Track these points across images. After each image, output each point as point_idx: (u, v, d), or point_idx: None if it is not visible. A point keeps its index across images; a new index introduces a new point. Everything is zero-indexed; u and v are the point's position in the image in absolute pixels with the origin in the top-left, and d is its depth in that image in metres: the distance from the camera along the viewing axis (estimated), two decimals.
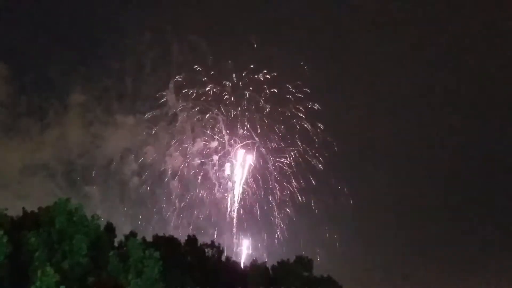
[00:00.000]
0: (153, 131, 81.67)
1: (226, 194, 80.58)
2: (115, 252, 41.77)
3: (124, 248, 43.06)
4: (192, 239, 55.27)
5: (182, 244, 54.26)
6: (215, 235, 76.77)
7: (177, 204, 79.84)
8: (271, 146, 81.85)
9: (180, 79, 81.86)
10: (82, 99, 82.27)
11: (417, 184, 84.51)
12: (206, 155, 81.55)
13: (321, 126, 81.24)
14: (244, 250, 78.52)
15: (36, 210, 44.86)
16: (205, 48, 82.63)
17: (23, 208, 46.29)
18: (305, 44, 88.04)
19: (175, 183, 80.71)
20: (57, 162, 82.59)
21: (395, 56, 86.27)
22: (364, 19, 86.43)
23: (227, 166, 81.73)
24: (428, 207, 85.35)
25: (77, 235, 38.24)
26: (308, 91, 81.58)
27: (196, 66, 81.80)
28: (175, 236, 57.32)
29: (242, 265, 62.58)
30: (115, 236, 47.09)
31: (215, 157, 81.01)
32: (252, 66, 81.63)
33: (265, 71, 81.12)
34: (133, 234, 47.63)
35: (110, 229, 46.59)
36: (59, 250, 37.93)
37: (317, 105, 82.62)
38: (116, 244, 46.91)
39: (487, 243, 78.49)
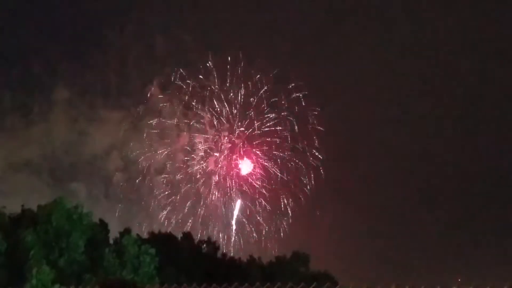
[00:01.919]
0: (139, 127, 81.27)
1: (210, 189, 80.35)
2: (111, 248, 42.34)
3: (119, 245, 43.63)
4: (188, 236, 55.94)
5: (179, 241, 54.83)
6: (200, 231, 76.34)
7: (162, 201, 79.70)
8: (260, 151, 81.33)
9: (164, 74, 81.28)
10: (67, 95, 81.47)
11: (418, 181, 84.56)
12: (191, 150, 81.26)
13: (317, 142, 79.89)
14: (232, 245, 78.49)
15: (34, 208, 45.52)
16: (189, 42, 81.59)
17: (22, 205, 46.92)
18: (302, 39, 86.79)
19: (160, 179, 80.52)
20: (43, 158, 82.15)
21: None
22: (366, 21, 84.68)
23: (211, 161, 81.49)
24: (429, 204, 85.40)
25: (74, 232, 38.78)
26: (306, 93, 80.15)
27: (179, 63, 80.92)
28: (162, 231, 57.98)
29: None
30: (108, 232, 47.62)
31: (200, 153, 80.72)
32: (242, 64, 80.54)
33: (253, 71, 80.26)
34: (127, 231, 48.22)
35: (103, 226, 47.10)
36: (56, 247, 38.55)
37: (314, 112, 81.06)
38: (111, 241, 47.44)
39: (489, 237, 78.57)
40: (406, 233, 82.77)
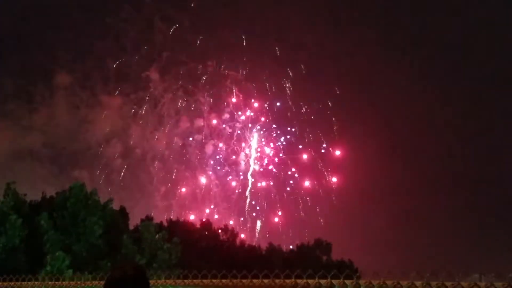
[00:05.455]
0: (138, 113, 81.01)
1: (207, 176, 79.72)
2: (129, 235, 42.23)
3: (138, 232, 43.54)
4: (207, 223, 55.60)
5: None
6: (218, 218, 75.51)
7: (162, 188, 79.53)
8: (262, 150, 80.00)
9: (163, 58, 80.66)
10: (68, 81, 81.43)
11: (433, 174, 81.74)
12: (189, 136, 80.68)
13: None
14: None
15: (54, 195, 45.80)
16: (186, 24, 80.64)
17: (42, 192, 47.40)
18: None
19: (158, 166, 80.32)
20: (45, 146, 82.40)
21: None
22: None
23: (210, 145, 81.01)
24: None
25: (89, 216, 38.65)
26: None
27: (177, 45, 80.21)
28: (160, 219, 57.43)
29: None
30: (128, 219, 47.66)
31: (198, 138, 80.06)
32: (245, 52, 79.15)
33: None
34: (148, 218, 48.17)
35: (123, 213, 47.13)
36: (73, 233, 38.52)
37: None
38: (132, 227, 47.51)
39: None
40: (430, 223, 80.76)
